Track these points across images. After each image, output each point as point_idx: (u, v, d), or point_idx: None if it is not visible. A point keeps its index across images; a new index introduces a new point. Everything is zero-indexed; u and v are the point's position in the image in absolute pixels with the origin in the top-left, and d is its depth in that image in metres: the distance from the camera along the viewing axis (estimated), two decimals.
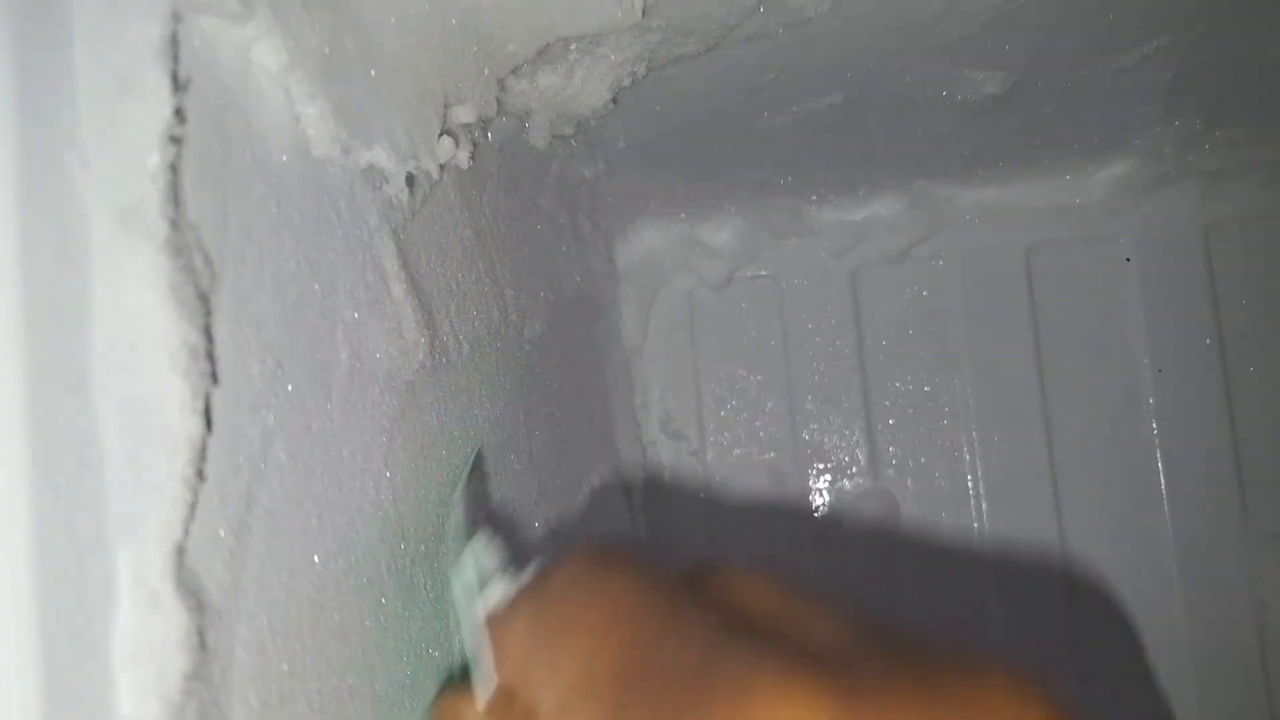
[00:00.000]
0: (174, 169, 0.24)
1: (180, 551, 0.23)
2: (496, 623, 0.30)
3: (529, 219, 0.58)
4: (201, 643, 0.24)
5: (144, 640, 0.22)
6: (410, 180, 0.39)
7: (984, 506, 0.82)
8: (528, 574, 0.30)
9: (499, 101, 0.50)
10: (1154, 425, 0.80)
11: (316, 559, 0.31)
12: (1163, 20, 0.55)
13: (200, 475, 0.24)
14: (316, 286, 0.32)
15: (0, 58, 0.22)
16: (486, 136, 0.51)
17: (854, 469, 0.82)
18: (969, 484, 0.82)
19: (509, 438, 0.50)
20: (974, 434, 0.83)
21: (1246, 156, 0.76)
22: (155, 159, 0.23)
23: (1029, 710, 0.20)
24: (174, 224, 0.24)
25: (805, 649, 0.21)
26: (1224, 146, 0.75)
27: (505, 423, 0.50)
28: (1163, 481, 0.80)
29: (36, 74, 0.22)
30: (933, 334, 0.82)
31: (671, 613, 0.24)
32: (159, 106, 0.23)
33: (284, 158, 0.31)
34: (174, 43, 0.24)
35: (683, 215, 0.79)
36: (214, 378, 0.26)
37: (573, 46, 0.46)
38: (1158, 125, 0.70)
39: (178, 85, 0.24)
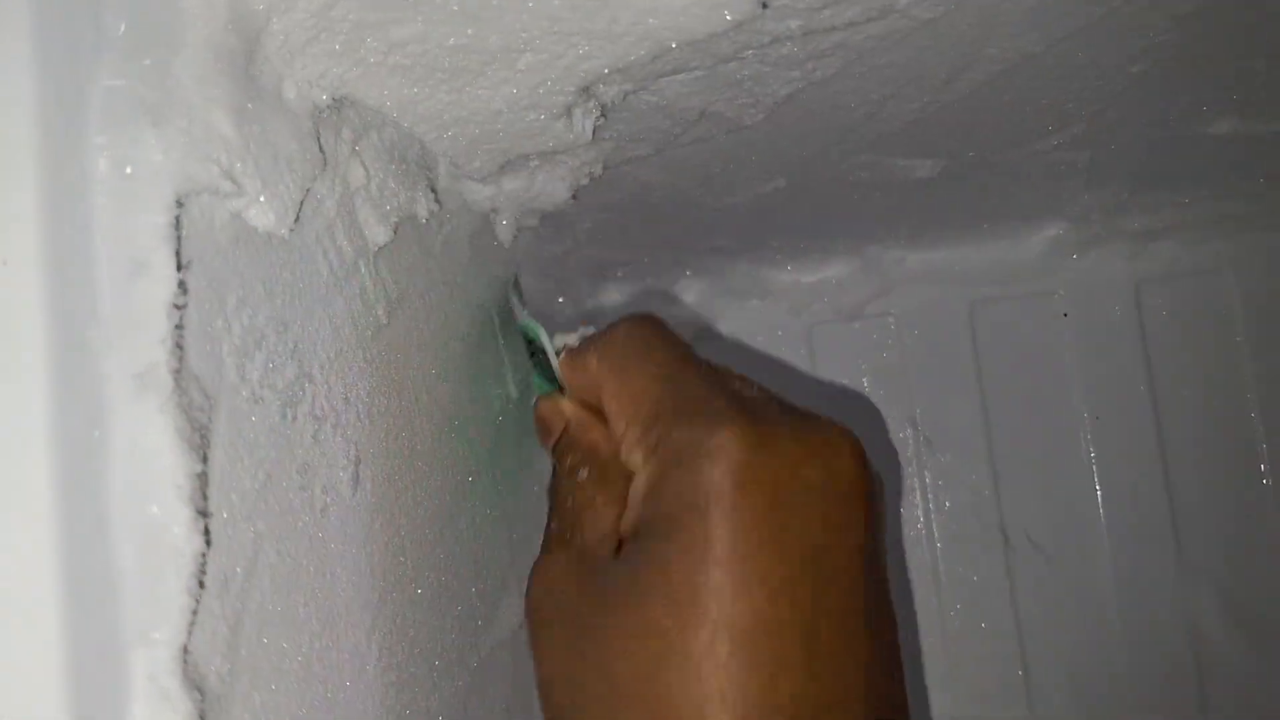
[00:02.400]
0: (179, 329, 0.29)
1: (185, 651, 0.28)
2: (568, 360, 0.44)
3: (505, 294, 0.63)
4: None
5: None
6: (385, 295, 0.44)
7: (937, 546, 0.87)
8: (577, 336, 0.44)
9: (466, 201, 0.55)
10: (1093, 468, 0.85)
11: (304, 639, 0.35)
12: (1070, 115, 0.60)
13: (201, 585, 0.29)
14: (306, 392, 0.37)
15: (33, 247, 0.27)
16: (454, 231, 0.56)
17: None
18: (920, 525, 0.87)
19: (497, 494, 0.55)
20: (926, 478, 0.88)
21: (1170, 218, 0.81)
22: (163, 329, 0.28)
23: (846, 443, 0.36)
24: (178, 376, 0.29)
25: (745, 402, 0.36)
26: (1148, 210, 0.80)
27: (498, 480, 0.55)
28: (1102, 519, 0.85)
29: (63, 258, 0.27)
30: (885, 387, 0.87)
31: (685, 367, 0.39)
32: (166, 285, 0.28)
33: (270, 291, 0.36)
34: (177, 225, 0.29)
35: (648, 280, 0.84)
36: (208, 498, 0.31)
37: (532, 158, 0.51)
38: (1083, 194, 0.76)
39: (180, 264, 0.29)
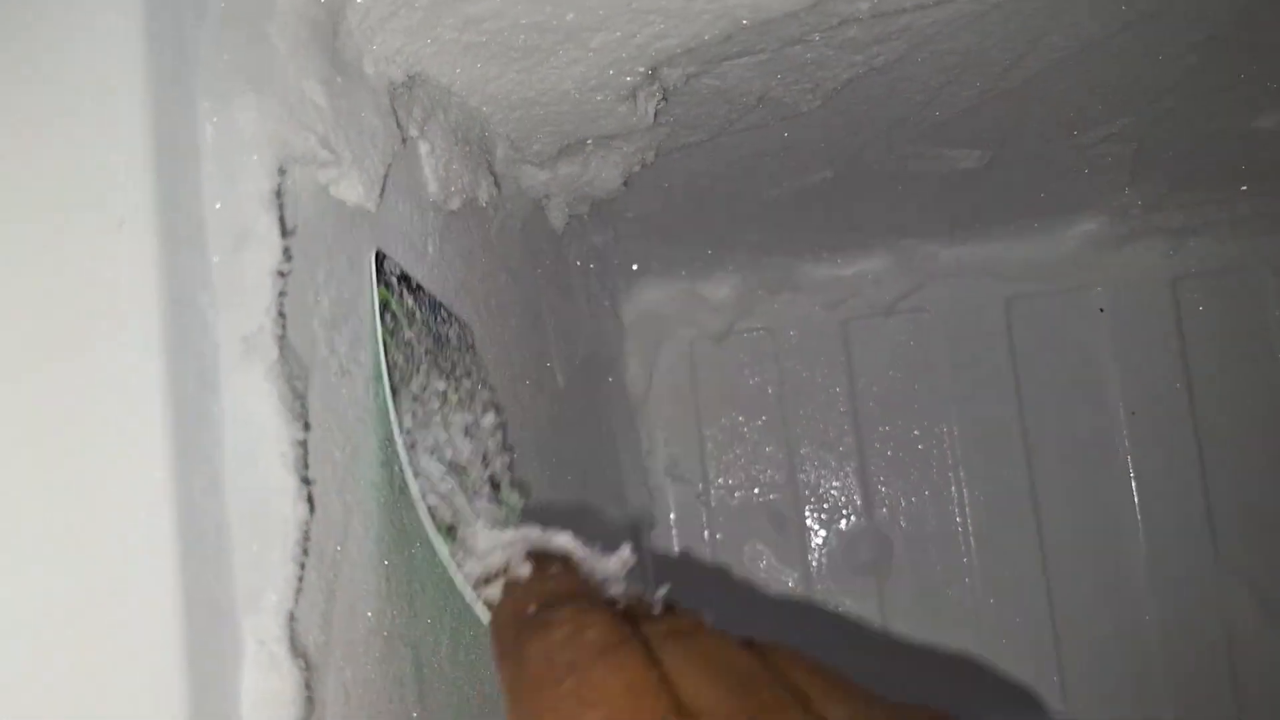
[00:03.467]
0: (282, 295, 0.29)
1: (291, 618, 0.28)
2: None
3: (553, 284, 0.63)
4: (310, 696, 0.28)
5: (266, 696, 0.27)
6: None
7: (971, 543, 0.87)
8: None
9: (521, 186, 0.55)
10: (1129, 464, 0.85)
11: (387, 613, 0.35)
12: (1122, 105, 0.60)
13: (305, 552, 0.29)
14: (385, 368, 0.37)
15: (149, 209, 0.26)
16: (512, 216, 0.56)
17: (849, 509, 0.87)
18: (957, 522, 0.87)
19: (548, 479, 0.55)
20: (961, 474, 0.88)
21: (1208, 215, 0.81)
22: (269, 295, 0.28)
23: None
24: (281, 344, 0.29)
25: None
26: (1187, 207, 0.80)
27: (547, 467, 0.55)
28: (1138, 517, 0.84)
29: (175, 221, 0.27)
30: (920, 381, 0.87)
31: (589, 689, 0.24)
32: (271, 252, 0.28)
33: (354, 266, 0.36)
34: (279, 193, 0.29)
35: (684, 274, 0.84)
36: (308, 467, 0.30)
37: (589, 142, 0.51)
38: (1125, 189, 0.76)
39: (285, 230, 0.29)
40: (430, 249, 0.44)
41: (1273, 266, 0.83)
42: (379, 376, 0.35)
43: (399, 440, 0.33)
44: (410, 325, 0.37)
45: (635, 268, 0.81)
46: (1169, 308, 0.84)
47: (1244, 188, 0.78)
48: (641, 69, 0.44)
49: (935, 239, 0.84)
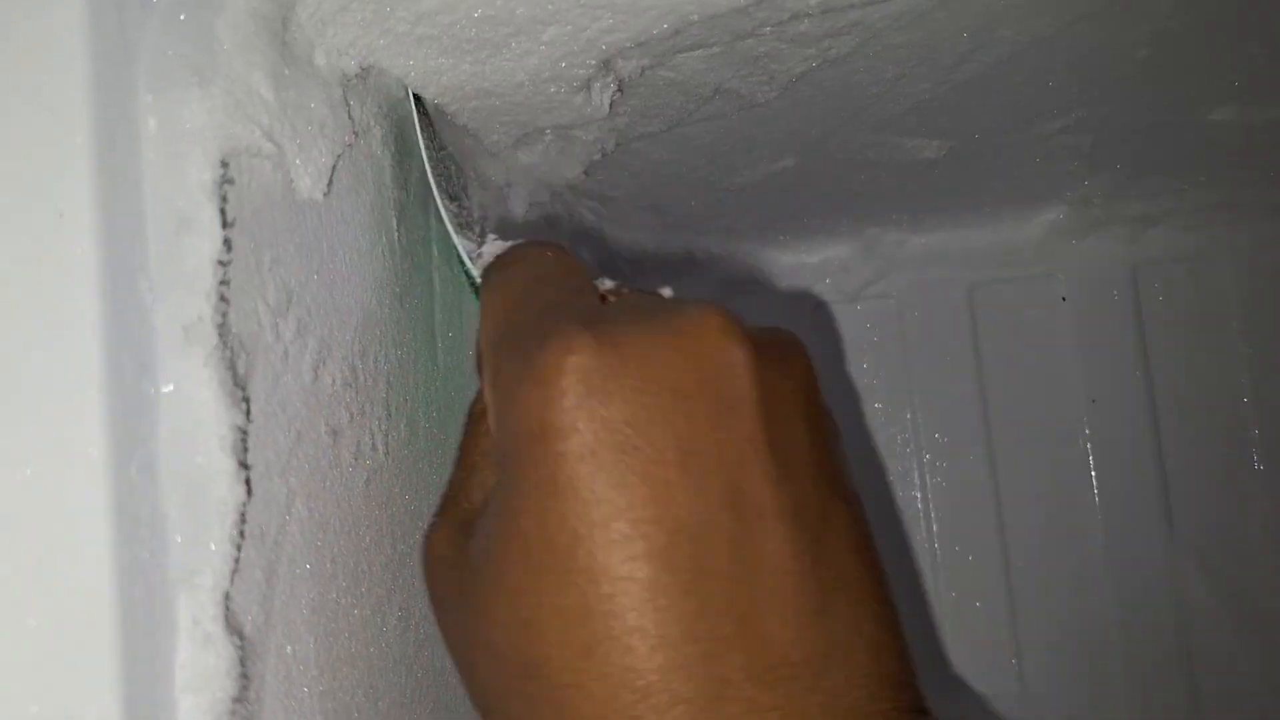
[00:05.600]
0: (223, 284, 0.30)
1: (227, 598, 0.29)
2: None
3: None
4: (244, 672, 0.29)
5: (200, 672, 0.28)
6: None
7: (934, 527, 0.89)
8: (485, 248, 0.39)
9: (480, 175, 0.56)
10: (1088, 450, 0.86)
11: (332, 594, 0.36)
12: (1076, 98, 0.61)
13: (241, 534, 0.30)
14: (335, 353, 0.38)
15: (87, 200, 0.27)
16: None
17: None
18: (919, 505, 0.89)
19: None
20: (925, 458, 0.89)
21: (1169, 203, 0.83)
22: (209, 284, 0.29)
23: (707, 319, 0.29)
24: (221, 330, 0.30)
25: (594, 311, 0.30)
26: (1148, 195, 0.82)
27: None
28: (1096, 501, 0.86)
29: (115, 212, 0.28)
30: (884, 367, 0.89)
31: (540, 286, 0.33)
32: (212, 241, 0.29)
33: (302, 253, 0.37)
34: (221, 182, 0.30)
35: (649, 264, 0.85)
36: (248, 450, 0.31)
37: (547, 132, 0.52)
38: (1085, 179, 0.77)
39: (225, 221, 0.30)
40: (383, 236, 0.45)
41: (1232, 255, 0.85)
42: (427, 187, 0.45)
43: (450, 227, 0.43)
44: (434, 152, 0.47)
45: (603, 263, 0.82)
46: (1129, 295, 0.86)
47: (1202, 178, 0.79)
48: (593, 62, 0.44)
49: (900, 227, 0.85)
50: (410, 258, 0.48)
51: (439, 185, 0.45)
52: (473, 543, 0.30)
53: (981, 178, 0.75)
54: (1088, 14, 0.51)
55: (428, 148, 0.45)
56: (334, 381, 0.38)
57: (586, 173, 0.59)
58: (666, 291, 0.34)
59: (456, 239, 0.42)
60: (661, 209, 0.74)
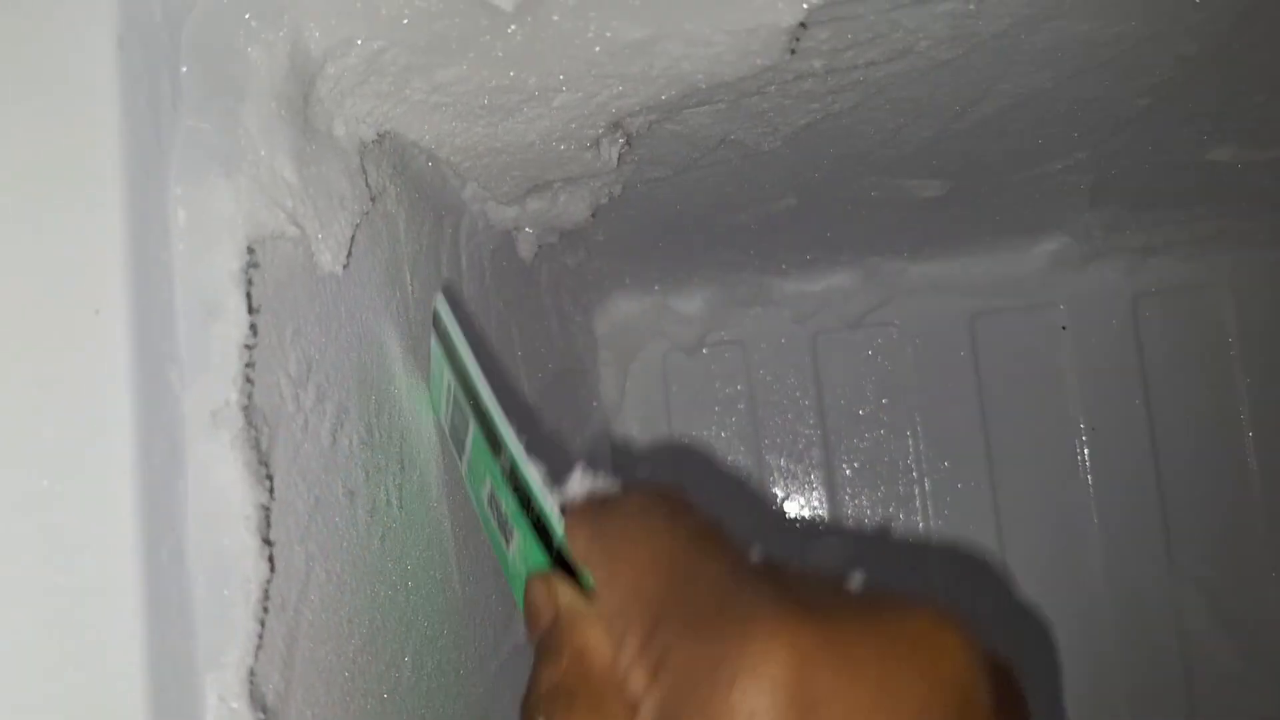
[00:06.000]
0: (248, 365, 0.31)
1: (251, 673, 0.30)
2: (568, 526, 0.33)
3: (521, 306, 0.65)
4: None
5: None
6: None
7: (936, 554, 0.90)
8: (570, 490, 0.33)
9: (490, 219, 0.57)
10: (1088, 478, 0.87)
11: (349, 654, 0.37)
12: (1077, 142, 0.62)
13: (265, 609, 0.31)
14: (353, 415, 0.39)
15: (121, 297, 0.28)
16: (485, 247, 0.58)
17: (817, 520, 0.90)
18: (920, 531, 0.90)
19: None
20: (926, 486, 0.90)
21: (1167, 235, 0.84)
22: (235, 369, 0.30)
23: (946, 636, 0.25)
24: (247, 412, 0.31)
25: (792, 595, 0.26)
26: (1147, 227, 0.83)
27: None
28: (1096, 528, 0.87)
29: (146, 306, 0.29)
30: (887, 394, 0.90)
31: (703, 555, 0.29)
32: (238, 327, 0.30)
33: (323, 322, 0.38)
34: (247, 268, 0.31)
35: (657, 288, 0.86)
36: (270, 526, 0.32)
37: (556, 182, 0.53)
38: (1085, 213, 0.78)
39: (251, 306, 0.31)
40: (397, 291, 0.46)
41: (1230, 285, 0.86)
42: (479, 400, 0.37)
43: (513, 445, 0.36)
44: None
45: (608, 283, 0.83)
46: (1129, 324, 0.87)
47: (1201, 211, 0.80)
48: (603, 123, 0.45)
49: (902, 256, 0.86)
50: (423, 307, 0.49)
51: (496, 403, 0.37)
52: None
53: (983, 213, 0.76)
54: (1087, 69, 0.52)
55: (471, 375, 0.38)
56: (351, 443, 0.40)
57: (594, 214, 0.60)
58: (856, 578, 0.30)
59: (527, 468, 0.35)
60: (657, 245, 0.75)
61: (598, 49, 0.39)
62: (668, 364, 0.91)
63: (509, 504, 0.36)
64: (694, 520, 0.31)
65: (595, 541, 0.31)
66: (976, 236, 0.84)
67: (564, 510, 0.32)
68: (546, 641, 0.31)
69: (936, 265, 0.87)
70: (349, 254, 0.38)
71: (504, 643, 0.56)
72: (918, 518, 0.89)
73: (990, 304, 0.88)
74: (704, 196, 0.65)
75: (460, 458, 0.41)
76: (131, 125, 0.29)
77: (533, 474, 0.34)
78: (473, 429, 0.38)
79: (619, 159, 0.51)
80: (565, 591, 0.32)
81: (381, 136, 0.42)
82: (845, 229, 0.77)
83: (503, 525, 0.37)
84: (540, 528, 0.34)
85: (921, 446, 0.90)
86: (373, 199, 0.41)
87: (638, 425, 0.91)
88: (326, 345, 0.38)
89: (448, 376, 0.41)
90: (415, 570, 0.45)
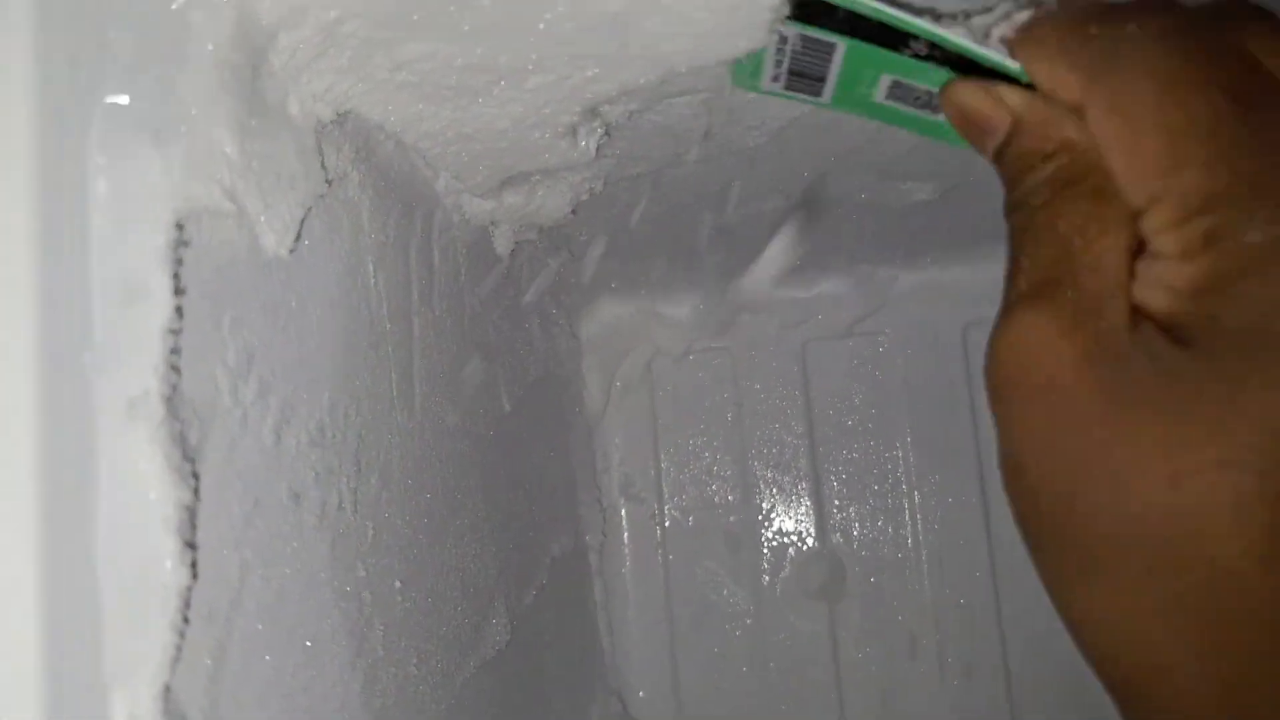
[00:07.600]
0: (174, 352, 0.29)
1: (167, 690, 0.27)
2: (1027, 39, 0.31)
3: (499, 306, 0.63)
4: None
5: None
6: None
7: (924, 568, 0.87)
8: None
9: (465, 214, 0.54)
10: None
11: (288, 669, 0.35)
12: None
13: (185, 620, 0.28)
14: (300, 412, 0.36)
15: (28, 270, 0.26)
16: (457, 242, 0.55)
17: (804, 531, 0.87)
18: (910, 547, 0.87)
19: (487, 508, 0.55)
20: (915, 498, 0.88)
21: None
22: (157, 355, 0.27)
23: None
24: (170, 402, 0.28)
25: None
26: None
27: (488, 493, 0.54)
28: None
29: (58, 283, 0.27)
30: (876, 404, 0.87)
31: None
32: (162, 310, 0.27)
33: (267, 311, 0.35)
34: (175, 246, 0.29)
35: (643, 292, 0.84)
36: (196, 528, 0.30)
37: (534, 176, 0.50)
38: None
39: (178, 288, 0.28)
40: (358, 282, 0.43)
41: None
42: None
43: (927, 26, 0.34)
44: None
45: (592, 285, 0.80)
46: None
47: None
48: (578, 109, 0.43)
49: (893, 264, 0.84)
50: (388, 303, 0.47)
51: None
52: (1117, 368, 0.27)
53: (978, 218, 0.74)
54: None
55: None
56: (298, 442, 0.37)
57: (574, 211, 0.58)
58: None
59: (955, 36, 0.33)
60: (643, 245, 0.72)
61: (570, 24, 0.37)
62: (654, 370, 0.88)
63: (933, 79, 0.35)
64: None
65: (1096, 67, 0.28)
66: (970, 243, 0.81)
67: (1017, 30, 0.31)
68: (1016, 148, 0.31)
69: (929, 273, 0.85)
70: (297, 237, 0.35)
71: (471, 659, 0.53)
72: (906, 531, 0.87)
73: (984, 314, 0.85)
74: (689, 195, 0.63)
75: (820, 94, 0.39)
76: (48, 87, 0.26)
77: (962, 35, 0.32)
78: (841, 50, 0.36)
79: (598, 151, 0.48)
80: (1015, 95, 0.30)
81: (342, 116, 0.40)
82: (836, 233, 0.75)
83: (926, 105, 0.37)
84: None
85: (912, 458, 0.87)
86: (329, 182, 0.38)
87: (621, 433, 0.88)
88: (273, 336, 0.36)
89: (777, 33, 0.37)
90: (370, 578, 0.42)
